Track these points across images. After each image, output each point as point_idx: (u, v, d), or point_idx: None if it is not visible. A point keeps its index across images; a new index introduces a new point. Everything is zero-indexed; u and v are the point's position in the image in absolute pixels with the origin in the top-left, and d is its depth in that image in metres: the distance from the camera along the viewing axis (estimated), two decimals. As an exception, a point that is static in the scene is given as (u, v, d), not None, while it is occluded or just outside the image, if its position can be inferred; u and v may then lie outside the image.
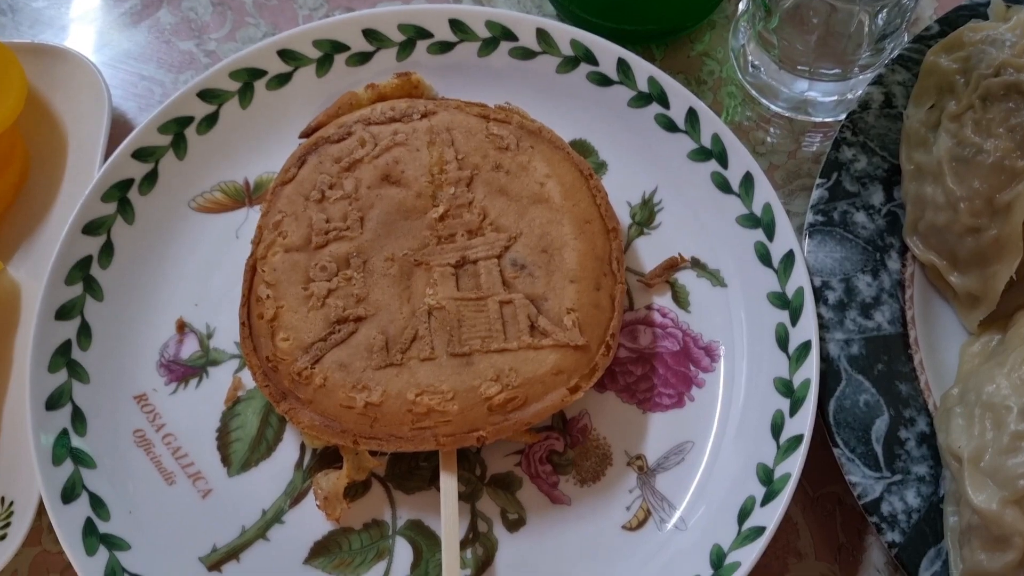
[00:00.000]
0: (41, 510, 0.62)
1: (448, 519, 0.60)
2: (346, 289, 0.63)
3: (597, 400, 0.67)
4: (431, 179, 0.66)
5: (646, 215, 0.71)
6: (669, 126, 0.71)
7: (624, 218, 0.71)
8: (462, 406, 0.61)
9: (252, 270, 0.65)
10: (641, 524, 0.64)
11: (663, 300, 0.69)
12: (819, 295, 0.66)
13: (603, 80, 0.72)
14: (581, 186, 0.67)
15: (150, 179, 0.70)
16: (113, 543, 0.61)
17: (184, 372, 0.67)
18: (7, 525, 0.62)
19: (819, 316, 0.65)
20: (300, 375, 0.61)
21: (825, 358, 0.65)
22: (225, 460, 0.65)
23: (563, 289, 0.64)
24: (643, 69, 0.71)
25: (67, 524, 0.60)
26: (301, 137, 0.70)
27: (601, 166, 0.72)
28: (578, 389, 0.62)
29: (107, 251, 0.68)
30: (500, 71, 0.73)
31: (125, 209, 0.69)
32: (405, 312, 0.63)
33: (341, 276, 0.64)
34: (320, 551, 0.63)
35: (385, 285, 0.64)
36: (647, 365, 0.67)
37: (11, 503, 0.63)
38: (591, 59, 0.72)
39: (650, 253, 0.70)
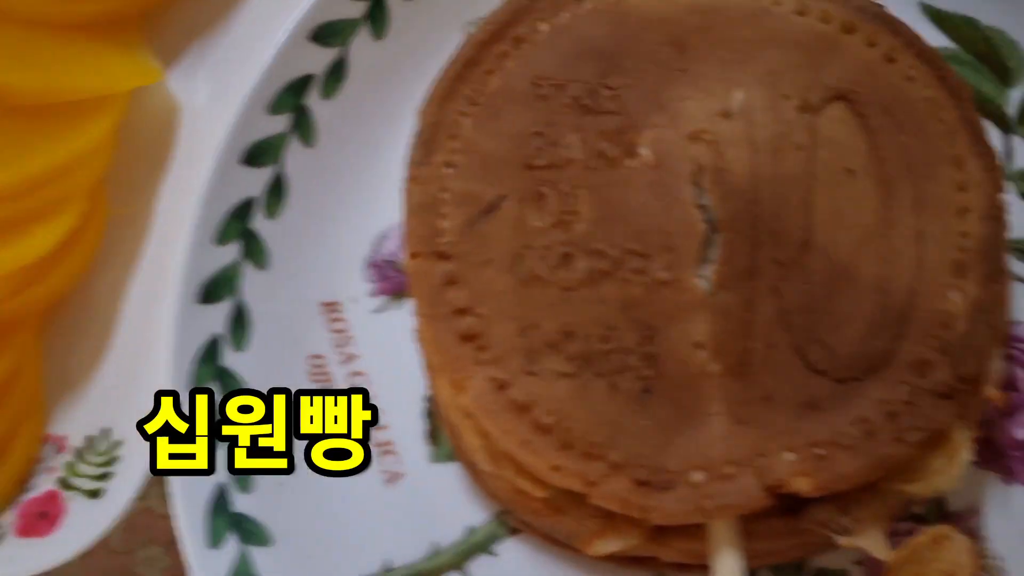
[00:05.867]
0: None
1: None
2: None
3: (999, 494, 0.45)
4: None
5: None
6: None
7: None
8: None
9: None
10: None
11: None
12: None
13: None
14: None
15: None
16: (249, 531, 0.42)
17: (402, 284, 0.47)
18: (104, 476, 0.42)
19: None
20: None
21: None
22: (434, 436, 0.45)
23: None
24: None
25: (190, 489, 0.40)
26: None
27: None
28: None
29: (337, 72, 0.47)
30: None
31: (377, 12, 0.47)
32: None
33: None
34: (541, 611, 0.44)
35: None
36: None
37: (119, 443, 0.42)
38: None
39: None
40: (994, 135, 0.47)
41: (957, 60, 0.47)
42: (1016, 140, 0.47)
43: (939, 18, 0.48)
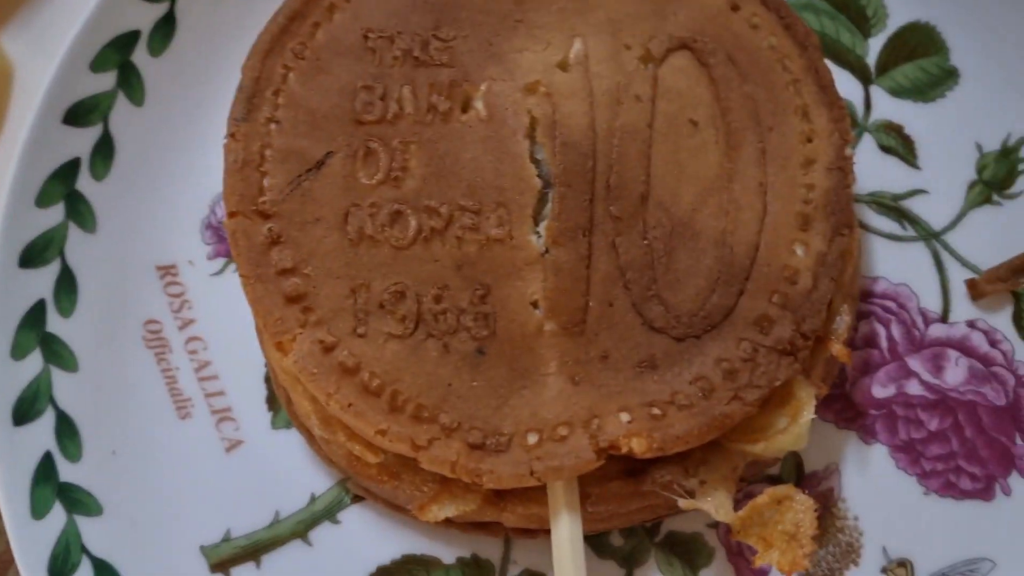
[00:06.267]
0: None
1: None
2: None
3: (858, 454, 0.44)
4: None
5: (1003, 172, 0.47)
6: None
7: (965, 170, 0.45)
8: None
9: None
10: (887, 672, 0.41)
11: (997, 319, 0.45)
12: None
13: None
14: None
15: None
16: (76, 501, 0.41)
17: (241, 246, 0.45)
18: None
19: None
20: None
21: None
22: (272, 402, 0.44)
23: None
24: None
25: (13, 460, 0.39)
26: None
27: (949, 75, 0.46)
28: None
29: (165, 28, 0.45)
30: None
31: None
32: None
33: None
34: (385, 580, 0.43)
35: None
36: (948, 417, 0.44)
37: None
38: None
39: (997, 236, 0.45)
40: (854, 86, 0.45)
41: (814, 9, 0.46)
42: (875, 90, 0.45)
43: (797, -34, 0.46)
